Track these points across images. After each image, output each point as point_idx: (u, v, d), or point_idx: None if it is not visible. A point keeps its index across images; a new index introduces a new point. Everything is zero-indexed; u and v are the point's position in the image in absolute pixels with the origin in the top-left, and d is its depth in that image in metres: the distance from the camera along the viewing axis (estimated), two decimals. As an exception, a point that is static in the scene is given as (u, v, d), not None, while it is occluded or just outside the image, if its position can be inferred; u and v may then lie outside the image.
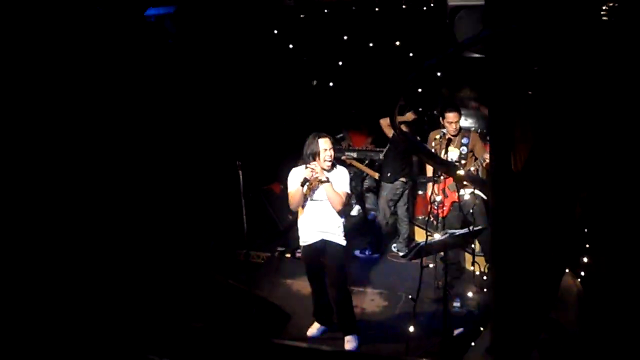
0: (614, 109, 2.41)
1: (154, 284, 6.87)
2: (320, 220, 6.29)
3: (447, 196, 7.40)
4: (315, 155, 6.14)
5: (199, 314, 6.68)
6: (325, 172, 6.16)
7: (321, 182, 6.12)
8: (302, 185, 6.10)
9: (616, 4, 2.34)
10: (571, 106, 2.33)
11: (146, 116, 7.59)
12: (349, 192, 6.36)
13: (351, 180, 6.84)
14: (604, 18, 2.37)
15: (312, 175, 6.10)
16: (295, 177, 6.24)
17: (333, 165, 6.25)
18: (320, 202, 6.24)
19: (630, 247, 3.01)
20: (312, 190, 6.20)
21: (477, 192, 7.17)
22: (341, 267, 6.35)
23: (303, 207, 6.33)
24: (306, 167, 6.13)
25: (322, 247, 6.33)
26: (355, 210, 10.52)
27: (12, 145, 5.91)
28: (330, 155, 6.15)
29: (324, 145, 6.14)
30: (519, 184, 2.32)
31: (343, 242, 6.33)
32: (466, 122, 9.29)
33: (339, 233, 6.32)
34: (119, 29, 7.18)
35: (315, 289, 6.62)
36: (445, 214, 7.38)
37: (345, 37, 9.16)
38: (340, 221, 6.33)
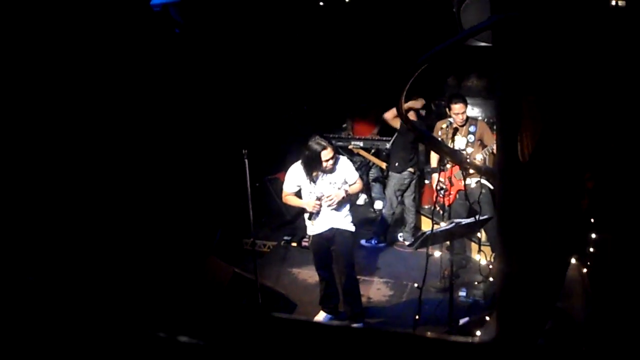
0: (625, 97, 2.39)
1: (160, 274, 6.89)
2: (328, 211, 6.33)
3: (453, 184, 7.39)
4: (317, 165, 6.17)
5: (204, 303, 6.70)
6: (328, 175, 6.25)
7: (343, 198, 6.27)
8: (309, 219, 6.38)
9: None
10: (580, 94, 2.31)
11: (153, 106, 7.58)
12: (357, 175, 6.46)
13: (357, 169, 6.87)
14: (612, 3, 2.36)
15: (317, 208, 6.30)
16: (293, 176, 6.37)
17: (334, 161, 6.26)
18: (322, 200, 6.31)
19: (637, 236, 3.00)
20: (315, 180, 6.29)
21: (483, 181, 7.14)
22: (350, 252, 6.42)
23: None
24: (314, 205, 6.26)
25: (332, 236, 6.38)
26: (362, 200, 10.52)
27: (16, 136, 5.92)
28: (332, 163, 6.20)
29: (325, 156, 6.15)
30: (526, 173, 2.31)
31: (352, 228, 6.41)
32: (473, 111, 9.27)
33: (348, 219, 6.40)
34: (124, 18, 7.17)
35: (323, 277, 6.65)
36: (451, 202, 7.37)
37: (352, 27, 9.14)
38: (347, 208, 6.40)
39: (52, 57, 6.23)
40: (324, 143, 6.14)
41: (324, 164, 6.14)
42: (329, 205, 6.24)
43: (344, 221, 6.37)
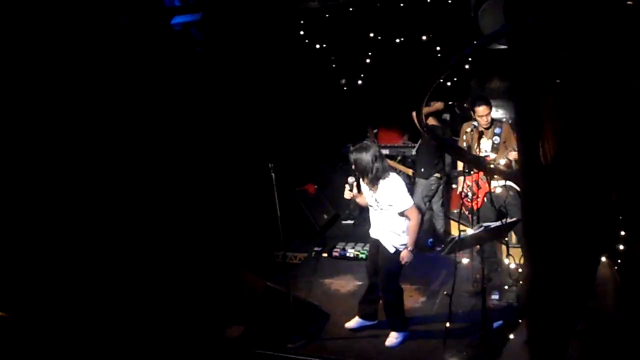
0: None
1: (193, 288, 6.96)
2: (375, 222, 6.36)
3: (481, 187, 7.34)
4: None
5: (239, 317, 6.76)
6: (372, 193, 6.19)
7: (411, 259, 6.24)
8: (350, 190, 6.27)
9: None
10: (600, 93, 2.32)
11: (179, 123, 7.68)
12: (409, 205, 6.10)
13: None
14: (629, 2, 2.36)
15: (353, 191, 6.26)
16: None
17: (377, 180, 6.10)
18: (374, 210, 6.31)
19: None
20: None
21: (510, 183, 7.10)
22: (387, 272, 6.30)
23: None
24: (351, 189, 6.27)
25: (377, 247, 6.38)
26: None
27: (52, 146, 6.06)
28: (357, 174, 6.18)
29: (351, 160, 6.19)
30: (550, 175, 2.32)
31: (392, 249, 6.21)
32: (497, 113, 9.23)
33: (391, 239, 6.22)
34: (145, 39, 7.28)
35: (369, 281, 6.66)
36: (479, 205, 7.32)
37: (371, 35, 9.13)
38: (395, 228, 6.20)
39: (78, 79, 6.37)
40: (352, 149, 6.21)
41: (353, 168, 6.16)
42: (405, 262, 6.21)
43: (389, 239, 6.22)
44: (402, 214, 6.09)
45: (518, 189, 7.13)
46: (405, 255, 6.14)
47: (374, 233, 6.40)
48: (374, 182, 6.09)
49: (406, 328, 6.48)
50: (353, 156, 6.10)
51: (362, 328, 6.69)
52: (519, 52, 2.21)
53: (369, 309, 6.71)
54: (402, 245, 6.19)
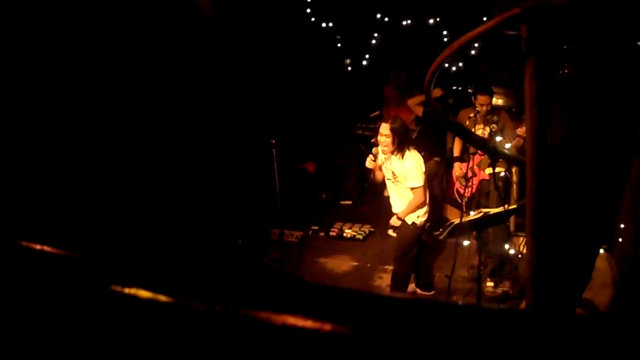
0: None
1: (187, 264, 6.95)
2: (393, 196, 6.47)
3: (476, 175, 7.33)
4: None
5: (232, 294, 6.76)
6: (387, 161, 6.28)
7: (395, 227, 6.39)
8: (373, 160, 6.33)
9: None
10: (610, 81, 2.29)
11: (181, 95, 7.63)
12: (419, 183, 6.24)
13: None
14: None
15: (374, 160, 6.33)
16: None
17: (399, 154, 6.21)
18: (392, 182, 6.39)
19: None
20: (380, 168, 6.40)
21: (503, 172, 7.18)
22: (403, 243, 6.43)
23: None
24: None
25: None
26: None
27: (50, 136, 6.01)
28: (385, 142, 6.15)
29: (380, 129, 6.21)
30: (556, 161, 2.30)
31: (409, 220, 6.36)
32: (499, 100, 9.20)
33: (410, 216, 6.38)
34: (155, 9, 7.22)
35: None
36: (472, 192, 7.29)
37: (378, 16, 9.10)
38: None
39: (81, 41, 6.31)
40: (386, 120, 6.29)
41: (379, 138, 6.21)
42: (391, 228, 6.45)
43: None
44: (411, 190, 6.23)
45: (509, 178, 7.24)
46: (392, 222, 6.36)
47: (393, 207, 6.49)
48: (401, 150, 6.17)
49: None
50: (393, 124, 6.15)
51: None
52: (535, 36, 2.18)
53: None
54: (418, 219, 6.37)
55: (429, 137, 8.60)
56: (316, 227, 9.16)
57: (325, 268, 7.90)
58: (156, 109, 7.21)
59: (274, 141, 6.13)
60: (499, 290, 7.02)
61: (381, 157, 6.36)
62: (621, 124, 2.28)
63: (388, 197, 6.54)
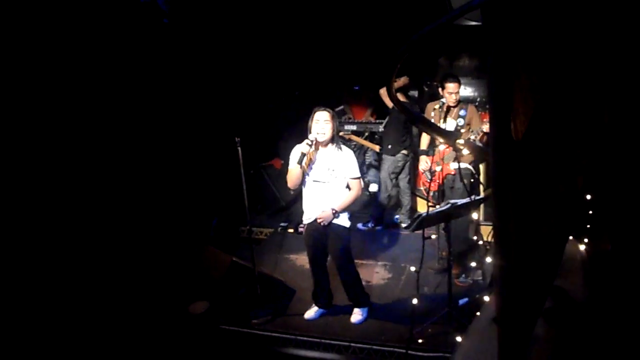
0: (622, 74, 2.36)
1: (157, 264, 6.89)
2: (322, 202, 6.11)
3: (442, 169, 7.32)
4: (311, 127, 6.02)
5: (203, 293, 6.71)
6: (325, 153, 6.06)
7: (330, 220, 6.08)
8: (299, 162, 5.91)
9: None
10: (575, 71, 2.27)
11: (145, 98, 7.54)
12: (358, 176, 6.14)
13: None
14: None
15: (310, 150, 5.94)
16: (296, 153, 6.02)
17: (336, 146, 6.08)
18: (321, 183, 6.08)
19: (636, 213, 2.99)
20: (309, 165, 6.07)
21: (468, 166, 7.17)
22: (345, 249, 6.20)
23: (304, 185, 6.17)
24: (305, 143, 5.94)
25: (324, 228, 6.14)
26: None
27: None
28: (323, 128, 5.96)
29: (318, 116, 5.99)
30: (520, 151, 2.28)
31: (346, 224, 6.18)
32: (465, 90, 9.24)
33: (343, 214, 6.15)
34: (112, 10, 7.11)
35: (315, 273, 6.44)
36: (436, 187, 7.26)
37: (339, 9, 9.06)
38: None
39: (38, 52, 6.20)
40: (323, 107, 6.04)
41: (315, 127, 5.97)
42: (321, 222, 6.09)
43: (338, 215, 6.13)
44: (350, 182, 6.10)
45: (474, 172, 7.24)
46: (324, 215, 6.06)
47: (316, 211, 6.15)
48: (335, 140, 6.08)
49: (369, 302, 6.47)
50: (332, 112, 6.06)
51: (321, 315, 6.59)
52: (494, 26, 2.15)
53: (323, 299, 6.56)
54: (349, 220, 6.24)
55: (396, 131, 8.59)
56: (285, 224, 9.14)
57: (295, 264, 7.89)
58: (118, 108, 7.12)
59: (238, 139, 6.06)
60: (469, 280, 7.05)
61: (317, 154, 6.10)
62: (585, 113, 2.27)
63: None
